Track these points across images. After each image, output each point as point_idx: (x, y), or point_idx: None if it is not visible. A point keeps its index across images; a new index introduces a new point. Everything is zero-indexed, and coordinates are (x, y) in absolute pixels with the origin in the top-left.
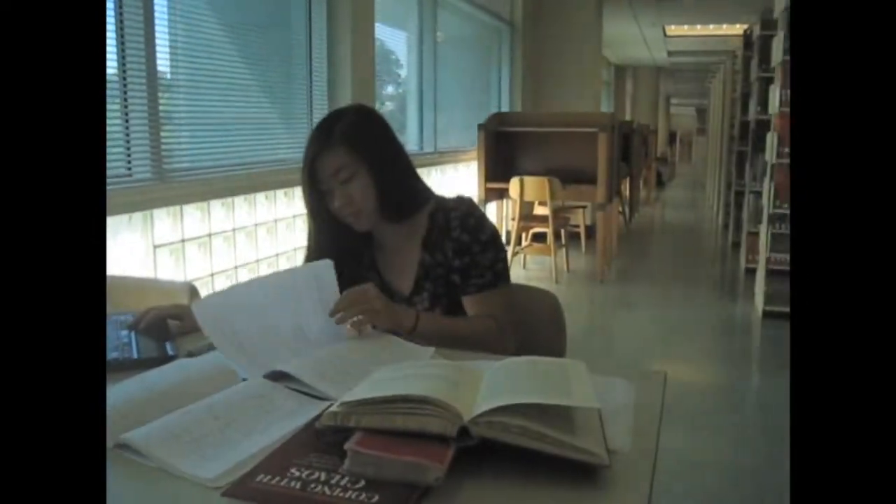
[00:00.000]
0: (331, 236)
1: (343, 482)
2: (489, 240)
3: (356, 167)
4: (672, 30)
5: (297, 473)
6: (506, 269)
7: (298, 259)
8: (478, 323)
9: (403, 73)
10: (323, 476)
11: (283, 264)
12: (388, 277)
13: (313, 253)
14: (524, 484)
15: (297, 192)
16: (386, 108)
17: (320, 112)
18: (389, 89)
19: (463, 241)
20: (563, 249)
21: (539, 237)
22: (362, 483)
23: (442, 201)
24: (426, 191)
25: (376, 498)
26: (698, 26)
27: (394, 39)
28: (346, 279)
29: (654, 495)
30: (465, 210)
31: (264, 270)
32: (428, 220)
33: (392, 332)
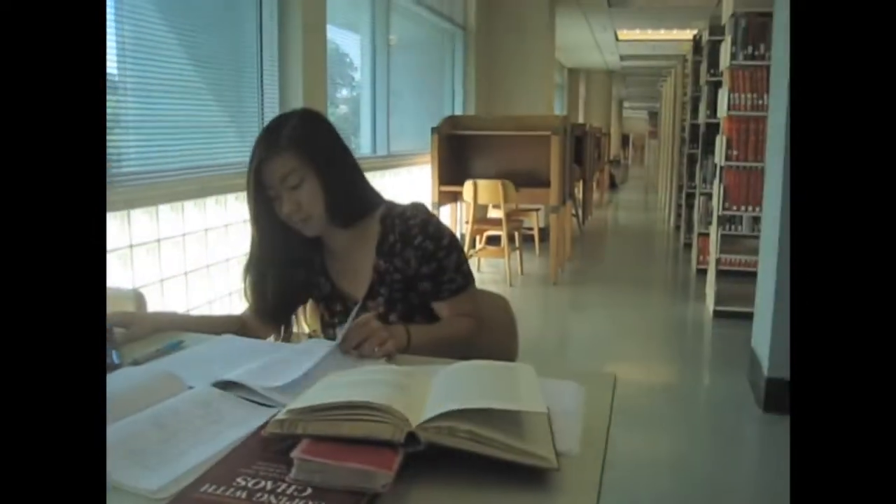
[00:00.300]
0: (278, 242)
1: (290, 490)
2: (451, 244)
3: (304, 172)
4: (624, 34)
5: (243, 483)
6: (470, 269)
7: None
8: (460, 324)
9: (357, 76)
10: (269, 485)
11: (235, 270)
12: (340, 283)
13: (257, 261)
14: (473, 489)
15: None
16: (340, 111)
17: (272, 115)
18: (344, 92)
19: (427, 248)
20: (517, 252)
21: (493, 240)
22: (309, 491)
23: (393, 207)
24: (375, 195)
25: None
26: (649, 31)
27: (347, 42)
28: (295, 284)
29: (605, 495)
30: (423, 217)
31: (215, 276)
32: (380, 224)
33: None
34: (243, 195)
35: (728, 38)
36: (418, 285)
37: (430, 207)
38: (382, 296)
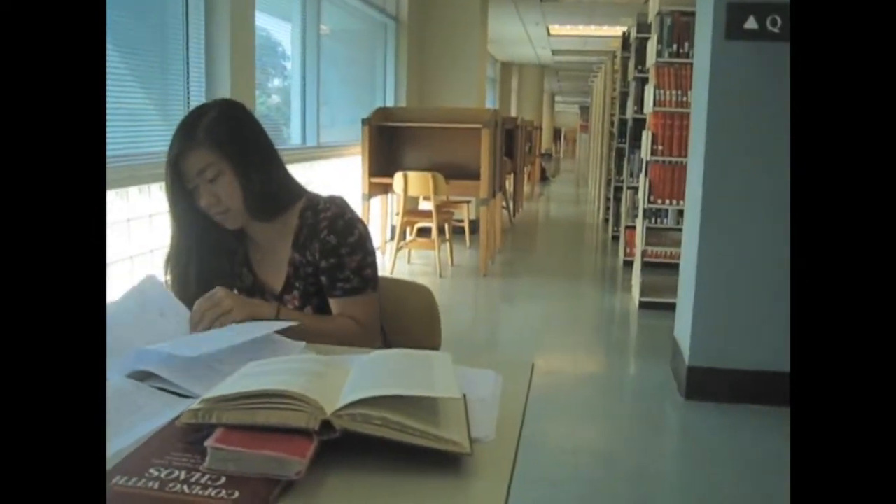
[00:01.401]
0: (199, 233)
1: (204, 480)
2: (357, 242)
3: (221, 166)
4: (555, 29)
5: (156, 473)
6: (374, 275)
7: None
8: (340, 323)
9: (289, 64)
10: (182, 475)
11: (159, 260)
12: (261, 275)
13: (178, 252)
14: (388, 475)
15: None
16: (272, 100)
17: (198, 103)
18: (276, 82)
19: (330, 242)
20: (448, 244)
21: (424, 232)
22: (223, 480)
23: (314, 199)
24: (297, 188)
25: (236, 494)
26: (580, 26)
27: (280, 32)
28: (217, 275)
29: (531, 482)
30: (335, 211)
31: (138, 268)
32: (298, 218)
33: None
34: None
35: (654, 36)
36: (319, 278)
37: (360, 199)
38: (298, 289)
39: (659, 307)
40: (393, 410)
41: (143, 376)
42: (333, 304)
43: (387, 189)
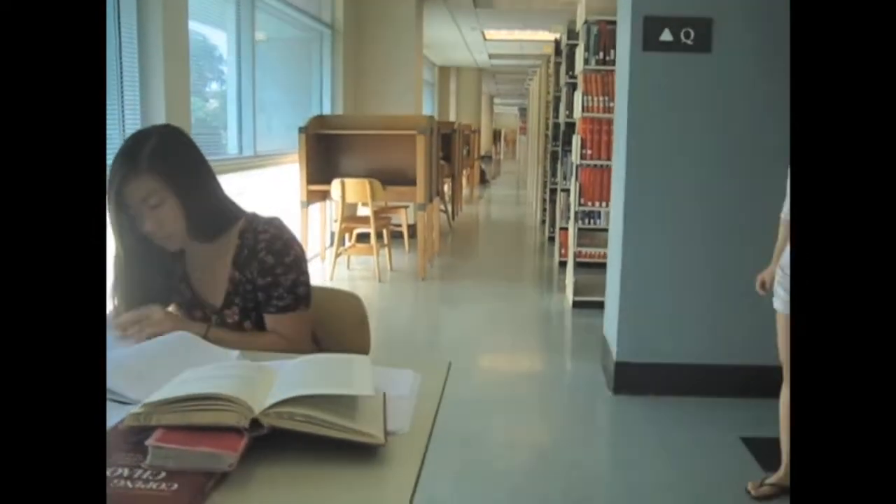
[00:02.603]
0: (141, 254)
1: (145, 475)
2: (293, 263)
3: (164, 193)
4: (491, 34)
5: None
6: (306, 293)
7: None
8: (267, 341)
9: (227, 69)
10: (126, 472)
11: None
12: (200, 291)
13: (123, 280)
14: (312, 465)
15: None
16: (210, 105)
17: (132, 113)
18: (213, 86)
19: (267, 262)
20: (386, 249)
21: (363, 237)
22: (163, 474)
23: (253, 221)
24: (235, 209)
25: (175, 486)
26: (515, 31)
27: (216, 35)
28: (157, 292)
29: (467, 476)
30: (273, 233)
31: None
32: (238, 237)
33: None
34: None
35: (581, 45)
36: (256, 294)
37: (299, 206)
38: (237, 305)
39: (591, 306)
40: (315, 408)
41: None
42: (267, 319)
43: (325, 196)
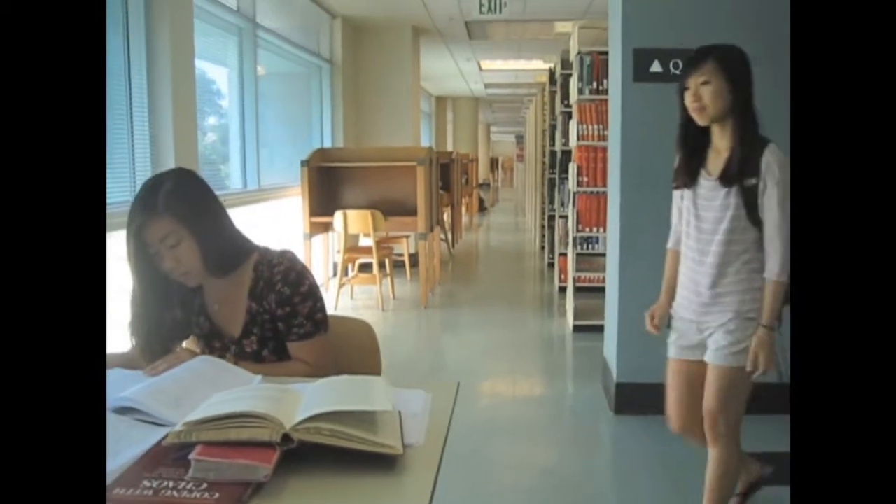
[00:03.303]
0: (160, 290)
1: (188, 486)
2: (308, 292)
3: (181, 233)
4: (486, 64)
5: (149, 484)
6: (324, 318)
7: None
8: (292, 369)
9: (224, 103)
10: (171, 483)
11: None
12: (218, 322)
13: (140, 306)
14: (338, 476)
15: (122, 235)
16: (208, 139)
17: (142, 150)
18: (211, 120)
19: (285, 293)
20: (389, 278)
21: (365, 267)
22: (205, 485)
23: (266, 254)
24: (247, 244)
25: (217, 495)
26: (510, 61)
27: (213, 70)
28: (176, 325)
29: (473, 495)
30: (287, 265)
31: None
32: (253, 271)
33: None
34: (121, 233)
35: (575, 75)
36: (276, 325)
37: (302, 238)
38: (255, 334)
39: (591, 329)
40: (339, 423)
41: (123, 410)
42: (290, 347)
43: (327, 227)
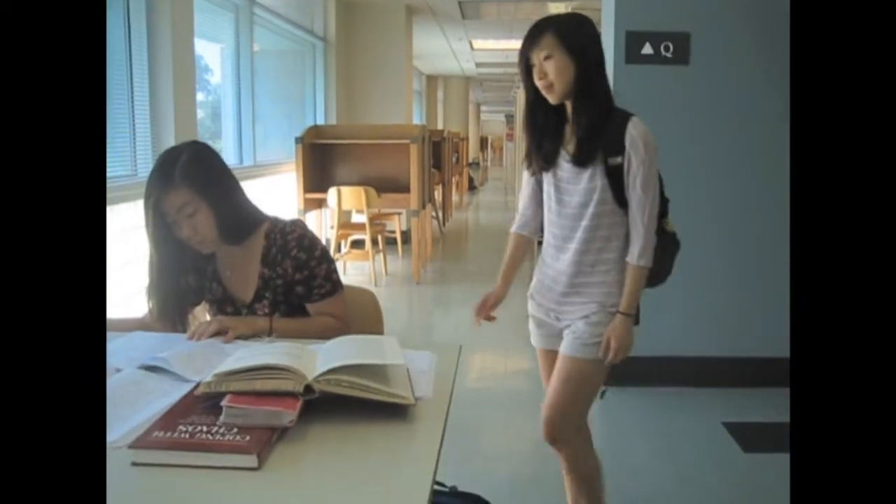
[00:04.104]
0: (175, 256)
1: (221, 430)
2: (322, 255)
3: (198, 203)
4: (478, 44)
5: (184, 428)
6: (339, 279)
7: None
8: (322, 322)
9: (213, 79)
10: (205, 428)
11: (129, 275)
12: (231, 288)
13: (157, 273)
14: (355, 423)
15: (121, 208)
16: (198, 116)
17: (142, 126)
18: (200, 96)
19: (301, 258)
20: (381, 254)
21: (358, 244)
22: (235, 430)
23: (277, 223)
24: (259, 213)
25: (248, 438)
26: (502, 41)
27: (200, 46)
28: (190, 290)
29: (469, 459)
30: (300, 232)
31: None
32: (265, 239)
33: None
34: (117, 207)
35: None
36: (294, 289)
37: (296, 214)
38: (267, 299)
39: None
40: (356, 375)
41: (150, 368)
42: (311, 307)
43: (321, 204)
